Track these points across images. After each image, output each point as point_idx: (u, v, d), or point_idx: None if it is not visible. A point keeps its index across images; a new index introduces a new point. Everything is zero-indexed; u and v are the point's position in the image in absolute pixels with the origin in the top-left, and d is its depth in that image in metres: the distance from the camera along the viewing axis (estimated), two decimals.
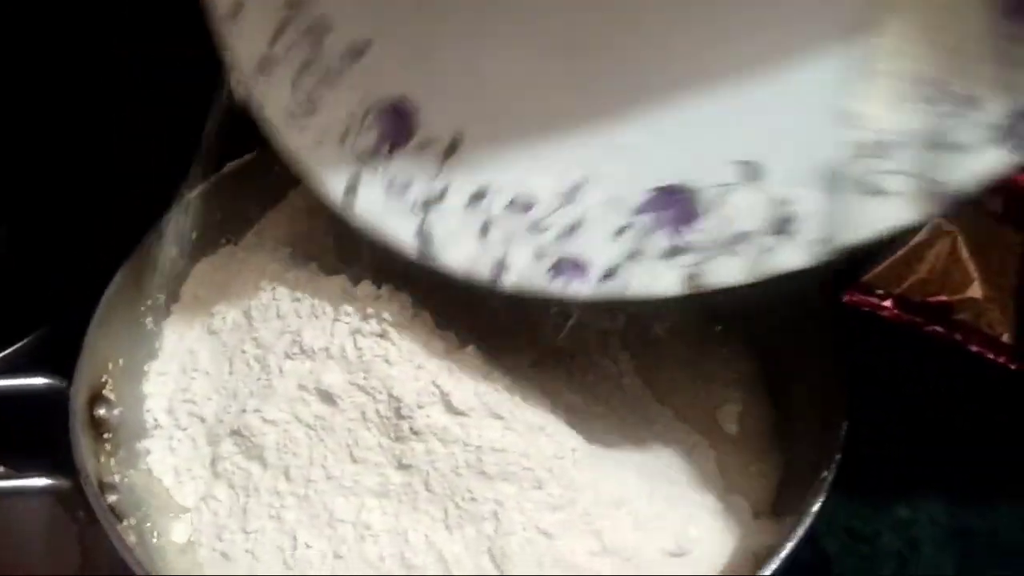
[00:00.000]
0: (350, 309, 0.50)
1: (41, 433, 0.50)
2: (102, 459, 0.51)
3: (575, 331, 0.55)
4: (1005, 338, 0.72)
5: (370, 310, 0.49)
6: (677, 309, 0.58)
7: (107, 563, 0.49)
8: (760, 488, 0.53)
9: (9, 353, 0.59)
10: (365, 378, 0.49)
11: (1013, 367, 0.70)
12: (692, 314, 0.59)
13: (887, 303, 0.74)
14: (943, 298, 0.74)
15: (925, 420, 0.69)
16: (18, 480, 0.49)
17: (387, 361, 0.48)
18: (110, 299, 0.54)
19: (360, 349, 0.49)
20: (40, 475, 0.49)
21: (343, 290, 0.51)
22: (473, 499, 0.47)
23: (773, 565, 0.42)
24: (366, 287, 0.50)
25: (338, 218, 0.53)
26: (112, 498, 0.49)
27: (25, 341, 0.60)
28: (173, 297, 0.59)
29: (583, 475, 0.47)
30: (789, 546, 0.43)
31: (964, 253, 0.72)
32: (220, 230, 0.61)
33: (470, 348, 0.50)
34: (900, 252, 0.74)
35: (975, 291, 0.72)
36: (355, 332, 0.50)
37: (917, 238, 0.73)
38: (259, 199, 0.62)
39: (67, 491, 0.48)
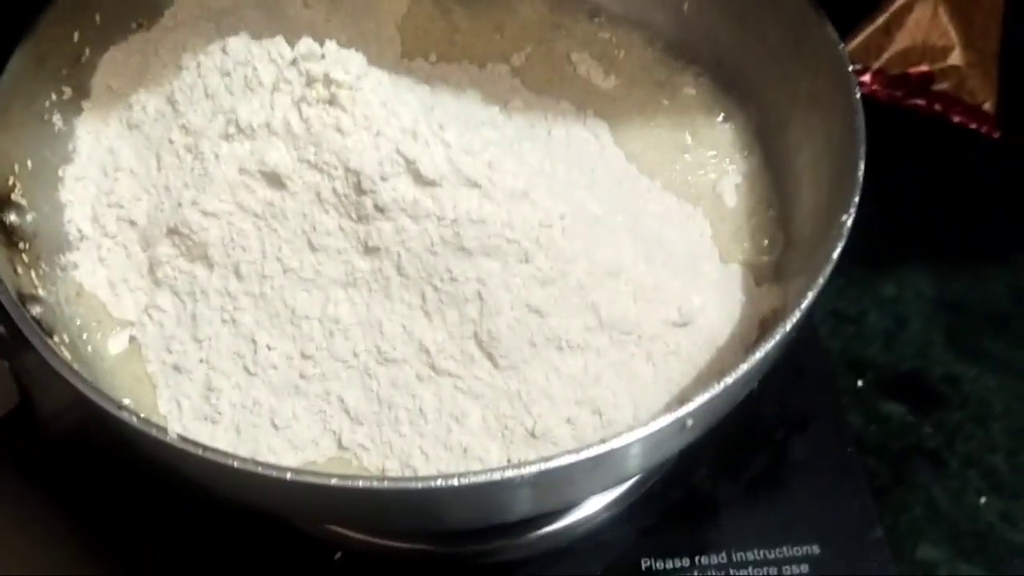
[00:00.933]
0: (290, 75, 0.43)
1: None
2: (19, 271, 0.44)
3: None
4: (987, 107, 0.70)
5: (315, 72, 0.42)
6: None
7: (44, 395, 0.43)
8: (760, 255, 0.48)
9: None
10: (316, 153, 0.42)
11: (996, 136, 0.68)
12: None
13: (866, 78, 0.70)
14: (924, 68, 0.70)
15: (907, 195, 0.67)
16: None
17: (340, 131, 0.42)
18: (6, 89, 0.46)
19: (307, 120, 0.42)
20: None
21: (280, 55, 0.44)
22: (453, 279, 0.41)
23: (793, 319, 0.38)
24: (307, 44, 0.42)
25: None
26: (36, 310, 0.42)
27: None
28: (82, 92, 0.51)
29: (574, 244, 0.42)
30: (811, 296, 0.38)
31: (944, 17, 0.69)
32: (128, 11, 0.53)
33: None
34: (879, 20, 0.70)
35: (956, 58, 0.70)
36: (299, 101, 0.42)
37: (896, 3, 0.68)
38: None
39: None
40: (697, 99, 0.54)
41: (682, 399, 0.41)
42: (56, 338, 0.43)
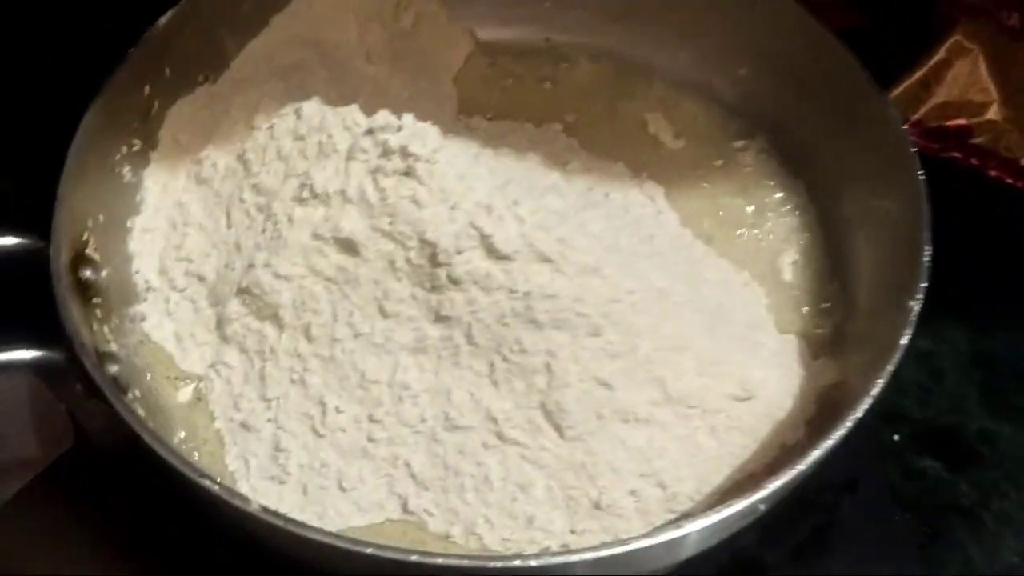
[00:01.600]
0: (366, 145, 0.44)
1: (17, 300, 0.44)
2: (95, 327, 0.44)
3: None
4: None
5: (392, 144, 0.43)
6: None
7: (104, 438, 0.44)
8: (816, 327, 0.49)
9: None
10: (391, 223, 0.43)
11: None
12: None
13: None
14: (961, 122, 0.71)
15: (944, 248, 0.67)
16: (12, 353, 0.42)
17: (416, 202, 0.42)
18: (81, 147, 0.47)
19: (383, 190, 0.43)
20: (24, 347, 0.42)
21: (356, 123, 0.45)
22: (523, 350, 0.42)
23: (864, 405, 0.38)
24: (385, 117, 0.43)
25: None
26: (113, 368, 0.43)
27: None
28: (151, 143, 0.52)
29: (642, 319, 0.43)
30: (880, 383, 0.39)
31: (983, 73, 0.69)
32: (195, 65, 0.53)
33: None
34: (918, 73, 0.70)
35: (994, 113, 0.70)
36: (375, 171, 0.43)
37: (936, 57, 0.69)
38: (235, 29, 0.54)
39: (56, 364, 0.42)
40: (754, 166, 0.55)
41: (743, 471, 0.41)
42: (130, 394, 0.43)
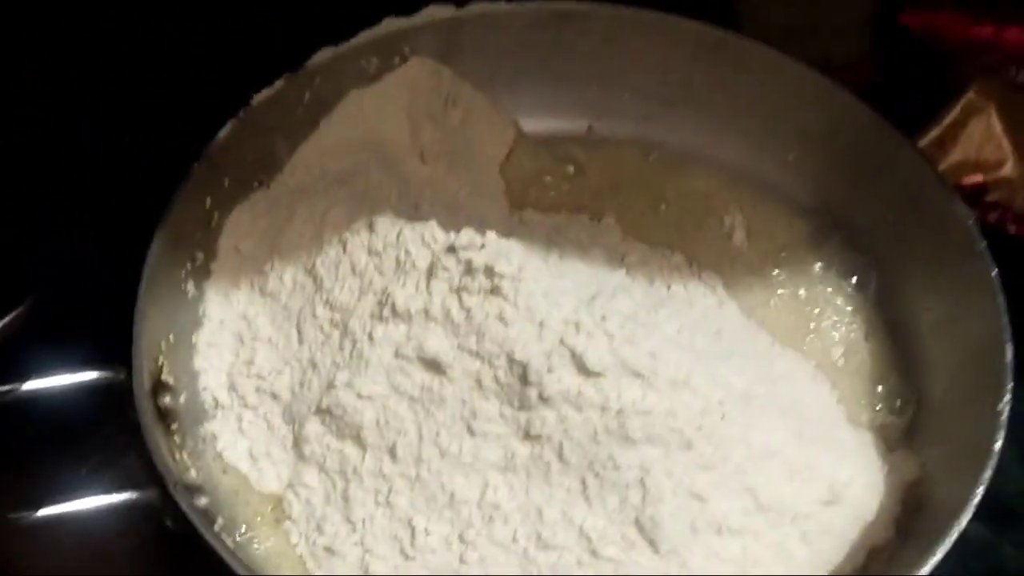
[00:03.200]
0: (448, 263, 0.44)
1: (96, 433, 0.43)
2: (177, 456, 0.44)
3: None
4: None
5: (476, 263, 0.43)
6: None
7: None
8: (888, 417, 0.49)
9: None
10: (478, 342, 0.43)
11: None
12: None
13: None
14: (977, 179, 0.72)
15: None
16: (101, 497, 0.41)
17: (503, 320, 0.42)
18: (152, 272, 0.46)
19: (468, 309, 0.43)
20: (124, 490, 0.41)
21: (435, 239, 0.45)
22: (616, 467, 0.42)
23: (967, 516, 0.39)
24: (469, 236, 0.43)
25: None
26: (203, 501, 0.42)
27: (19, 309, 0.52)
28: (211, 254, 0.51)
29: (733, 429, 0.43)
30: (980, 492, 0.39)
31: (998, 130, 0.70)
32: (251, 172, 0.53)
33: None
34: (933, 133, 0.72)
35: (1009, 170, 0.71)
36: (459, 289, 0.43)
37: (950, 117, 0.70)
38: (288, 133, 0.54)
39: (151, 501, 0.41)
40: (810, 251, 0.55)
41: None
42: (217, 525, 0.43)
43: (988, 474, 0.40)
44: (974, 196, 0.73)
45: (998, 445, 0.41)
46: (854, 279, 0.54)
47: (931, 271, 0.50)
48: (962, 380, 0.46)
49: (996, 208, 0.71)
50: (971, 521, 0.60)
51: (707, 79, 0.57)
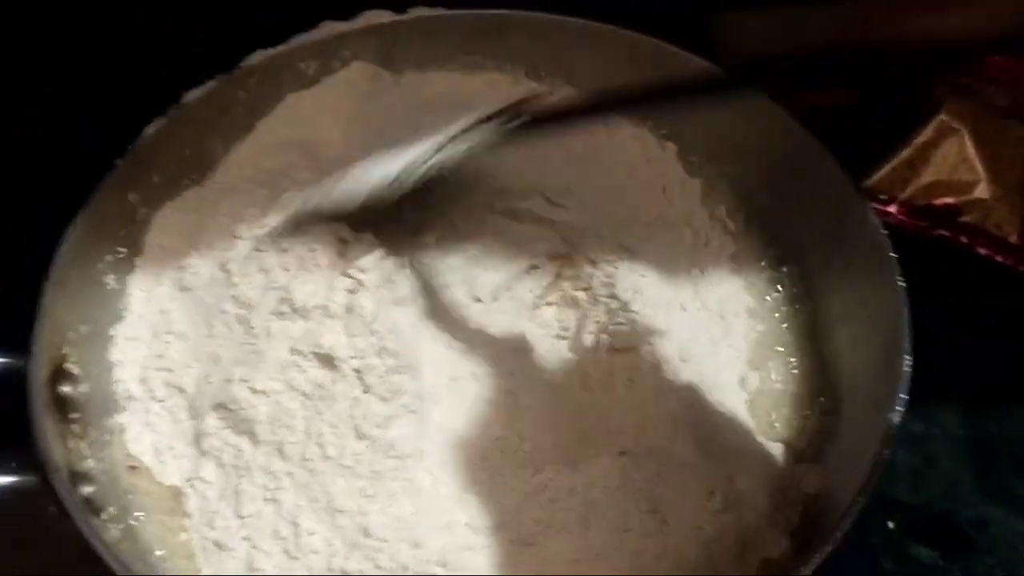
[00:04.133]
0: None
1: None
2: (71, 444, 0.44)
3: None
4: (1013, 239, 0.70)
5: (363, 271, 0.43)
6: None
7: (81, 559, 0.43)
8: (798, 434, 0.49)
9: None
10: (373, 340, 0.43)
11: (1022, 268, 0.68)
12: None
13: (892, 208, 0.71)
14: (949, 200, 0.71)
15: (934, 328, 0.67)
16: None
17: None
18: (65, 261, 0.47)
19: (362, 307, 0.43)
20: (6, 473, 0.42)
21: (340, 239, 0.45)
22: None
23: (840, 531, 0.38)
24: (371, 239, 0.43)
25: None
26: (87, 489, 0.43)
27: None
28: (136, 249, 0.52)
29: None
30: (860, 501, 0.39)
31: (971, 151, 0.69)
32: (184, 170, 0.54)
33: None
34: (904, 153, 0.71)
35: (982, 191, 0.70)
36: (359, 289, 0.43)
37: (922, 138, 0.69)
38: (224, 132, 0.55)
39: (33, 486, 0.42)
40: (736, 259, 0.55)
41: None
42: (104, 514, 0.43)
43: (867, 484, 0.39)
44: (947, 217, 0.72)
45: (884, 453, 0.40)
46: (775, 290, 0.53)
47: (847, 283, 0.50)
48: (866, 394, 0.45)
49: (968, 230, 0.71)
50: (922, 546, 0.59)
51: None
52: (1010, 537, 0.58)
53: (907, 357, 0.43)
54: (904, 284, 0.46)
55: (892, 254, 0.47)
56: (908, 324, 0.44)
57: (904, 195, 0.70)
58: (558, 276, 0.49)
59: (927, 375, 0.65)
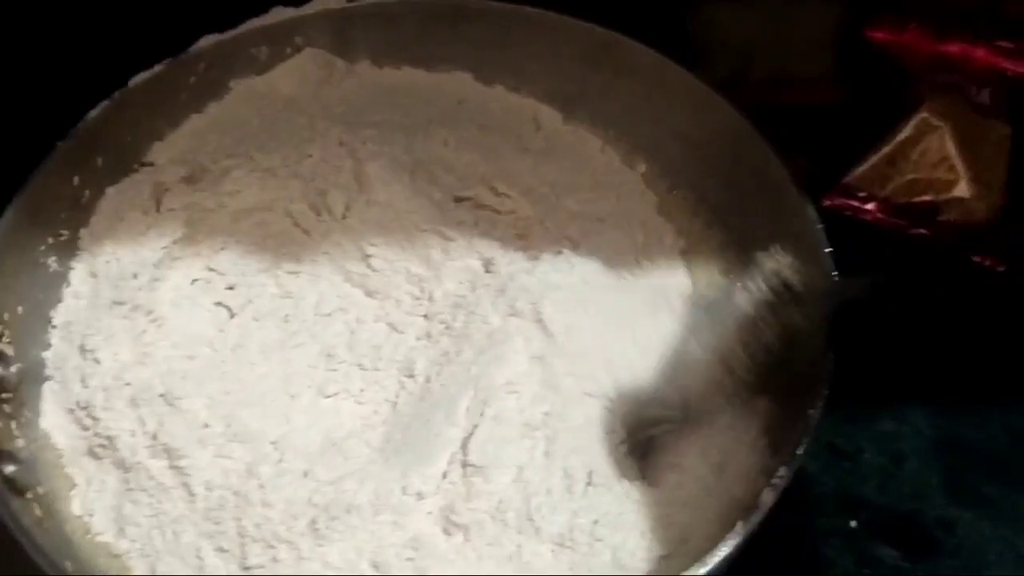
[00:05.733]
0: None
1: None
2: (0, 424, 0.44)
3: None
4: (992, 239, 0.69)
5: None
6: None
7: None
8: None
9: None
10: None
11: (1000, 269, 0.67)
12: None
13: (870, 206, 0.70)
14: (929, 198, 0.70)
15: (910, 328, 0.66)
16: None
17: None
18: (2, 238, 0.47)
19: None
20: None
21: None
22: None
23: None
24: None
25: None
26: (9, 468, 0.43)
27: None
28: (77, 233, 0.52)
29: None
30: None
31: (951, 149, 0.69)
32: (130, 154, 0.54)
33: None
34: (884, 150, 0.70)
35: (962, 190, 0.69)
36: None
37: (902, 135, 0.69)
38: (170, 116, 0.55)
39: None
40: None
41: None
42: (30, 493, 0.43)
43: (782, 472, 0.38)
44: (926, 215, 0.71)
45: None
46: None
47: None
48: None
49: (946, 228, 0.70)
50: (886, 546, 0.58)
51: (597, 79, 0.57)
52: (976, 540, 0.57)
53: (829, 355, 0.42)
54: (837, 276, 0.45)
55: (827, 249, 0.46)
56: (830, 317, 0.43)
57: (884, 192, 0.69)
58: None
59: (900, 374, 0.64)
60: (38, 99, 0.58)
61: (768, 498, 0.39)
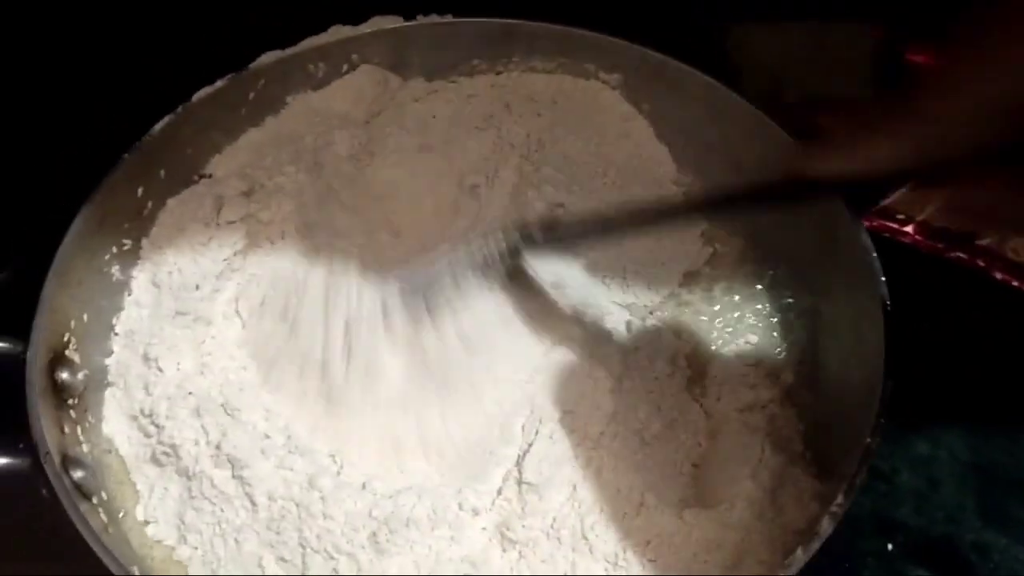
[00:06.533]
0: None
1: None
2: (67, 429, 0.45)
3: None
4: None
5: None
6: None
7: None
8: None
9: None
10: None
11: None
12: None
13: (909, 228, 0.70)
14: (967, 224, 0.70)
15: (946, 350, 0.66)
16: None
17: None
18: (69, 247, 0.48)
19: None
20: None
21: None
22: None
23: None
24: None
25: None
26: (78, 474, 0.44)
27: None
28: (140, 242, 0.53)
29: None
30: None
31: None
32: (191, 166, 0.55)
33: None
34: None
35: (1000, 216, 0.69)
36: None
37: None
38: (227, 131, 0.56)
39: (28, 469, 0.43)
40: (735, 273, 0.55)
41: None
42: (95, 499, 0.44)
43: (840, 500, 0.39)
44: (964, 239, 0.71)
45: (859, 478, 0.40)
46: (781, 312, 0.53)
47: (841, 305, 0.49)
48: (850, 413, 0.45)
49: (985, 253, 0.70)
50: (922, 568, 0.58)
51: (652, 101, 0.57)
52: (1012, 564, 0.57)
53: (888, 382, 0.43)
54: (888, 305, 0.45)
55: (882, 278, 0.47)
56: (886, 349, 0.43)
57: (922, 216, 0.69)
58: None
59: (936, 398, 0.65)
60: (106, 111, 0.60)
61: (827, 526, 0.39)
